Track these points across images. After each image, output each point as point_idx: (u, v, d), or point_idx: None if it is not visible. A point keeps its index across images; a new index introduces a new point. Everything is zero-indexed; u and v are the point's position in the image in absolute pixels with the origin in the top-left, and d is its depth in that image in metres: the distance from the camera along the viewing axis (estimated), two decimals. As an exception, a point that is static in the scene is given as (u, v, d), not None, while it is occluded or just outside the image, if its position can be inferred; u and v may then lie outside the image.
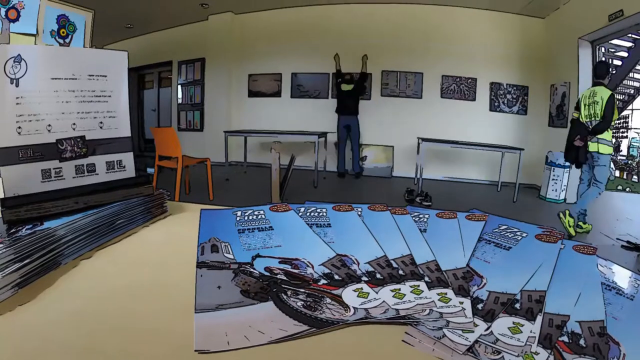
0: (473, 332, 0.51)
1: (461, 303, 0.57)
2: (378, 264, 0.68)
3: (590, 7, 6.51)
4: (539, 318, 0.53)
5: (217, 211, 0.91)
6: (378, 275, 0.64)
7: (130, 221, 0.89)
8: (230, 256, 0.70)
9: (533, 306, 0.56)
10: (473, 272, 0.66)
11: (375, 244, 0.74)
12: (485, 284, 0.62)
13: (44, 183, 0.86)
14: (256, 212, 0.87)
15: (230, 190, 6.96)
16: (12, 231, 0.72)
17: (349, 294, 0.59)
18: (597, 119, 4.63)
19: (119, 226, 0.85)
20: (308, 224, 0.83)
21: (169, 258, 0.76)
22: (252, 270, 0.66)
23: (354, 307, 0.56)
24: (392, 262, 0.68)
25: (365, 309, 0.56)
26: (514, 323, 0.53)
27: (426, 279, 0.63)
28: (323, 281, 0.63)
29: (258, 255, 0.71)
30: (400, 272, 0.65)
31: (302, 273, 0.66)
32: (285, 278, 0.64)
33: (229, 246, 0.74)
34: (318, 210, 0.88)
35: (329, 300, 0.58)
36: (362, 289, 0.60)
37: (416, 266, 0.67)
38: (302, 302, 0.57)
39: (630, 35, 9.71)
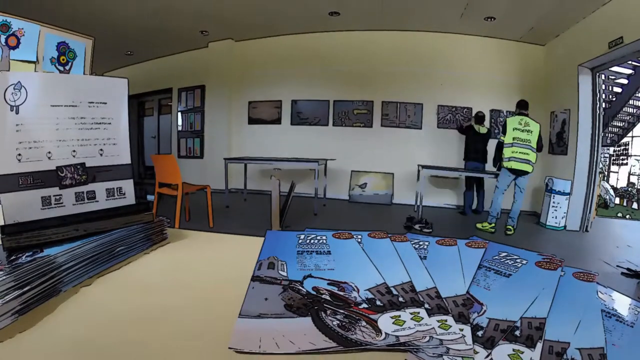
0: (473, 359, 0.51)
1: (461, 330, 0.57)
2: (378, 291, 0.68)
3: (591, 34, 6.61)
4: (539, 345, 0.53)
5: (281, 233, 0.94)
6: (378, 302, 0.65)
7: (131, 248, 0.89)
8: (284, 274, 0.75)
9: (533, 333, 0.56)
10: (473, 299, 0.66)
11: (375, 271, 0.74)
12: (485, 311, 0.62)
13: (44, 210, 0.87)
14: (318, 237, 0.90)
15: (231, 217, 6.95)
16: (12, 258, 0.73)
17: (385, 320, 0.60)
18: None
19: (119, 253, 0.86)
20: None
21: (169, 284, 0.76)
22: (300, 288, 0.70)
23: (385, 333, 0.57)
24: (392, 289, 0.68)
25: (397, 336, 0.56)
26: (514, 350, 0.53)
27: (426, 305, 0.63)
28: (364, 305, 0.64)
29: (310, 276, 0.74)
30: (400, 299, 0.65)
31: (347, 296, 0.67)
32: (329, 298, 0.66)
33: (285, 265, 0.78)
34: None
35: (364, 323, 0.59)
36: (399, 316, 0.61)
37: (416, 293, 0.67)
38: (338, 322, 0.59)
39: (630, 62, 9.83)
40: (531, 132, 6.16)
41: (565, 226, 7.05)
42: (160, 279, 0.80)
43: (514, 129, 6.22)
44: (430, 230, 6.26)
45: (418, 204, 7.51)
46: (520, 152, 6.17)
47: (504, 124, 6.44)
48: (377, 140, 9.30)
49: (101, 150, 0.96)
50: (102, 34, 3.22)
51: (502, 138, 6.42)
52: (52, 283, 0.67)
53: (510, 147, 6.21)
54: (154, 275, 0.81)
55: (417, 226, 6.41)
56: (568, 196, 6.99)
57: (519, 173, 6.28)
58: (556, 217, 7.08)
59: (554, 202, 7.08)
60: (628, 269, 4.51)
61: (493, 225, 6.50)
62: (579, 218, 7.05)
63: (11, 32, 1.77)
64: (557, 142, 7.74)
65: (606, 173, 15.37)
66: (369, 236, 0.89)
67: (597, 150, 7.02)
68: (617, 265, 4.63)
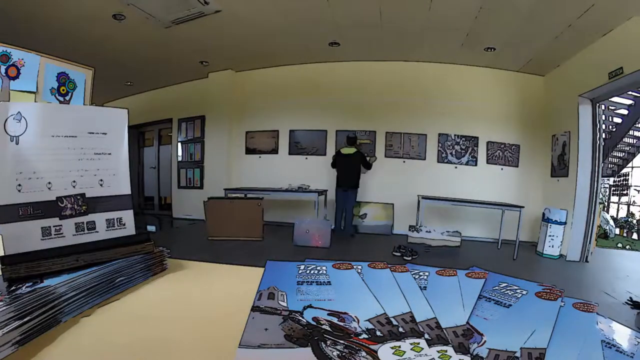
0: (474, 390, 0.51)
1: (461, 361, 0.57)
2: (378, 322, 0.68)
3: (591, 64, 6.63)
4: (540, 376, 0.53)
5: (281, 263, 0.94)
6: (378, 333, 0.64)
7: (131, 279, 0.89)
8: (284, 304, 0.75)
9: (534, 364, 0.56)
10: (473, 329, 0.66)
11: (375, 301, 0.74)
12: (485, 341, 0.62)
13: (44, 241, 0.87)
14: (318, 267, 0.90)
15: (231, 247, 6.90)
16: (12, 289, 0.72)
17: (385, 351, 0.60)
18: None
19: (120, 284, 0.85)
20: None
21: (169, 315, 0.76)
22: (300, 318, 0.70)
23: None
24: (392, 319, 0.68)
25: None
26: (515, 381, 0.52)
27: (426, 336, 0.63)
28: (364, 336, 0.64)
29: (310, 306, 0.74)
30: (401, 329, 0.65)
31: (347, 326, 0.67)
32: (329, 329, 0.66)
33: (285, 295, 0.78)
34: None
35: (364, 353, 0.59)
36: (399, 347, 0.61)
37: (416, 323, 0.67)
38: (338, 352, 0.59)
39: (630, 93, 9.88)
40: None
41: (561, 255, 7.01)
42: (160, 309, 0.80)
43: None
44: (413, 257, 6.39)
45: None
46: None
47: None
48: (379, 170, 9.28)
49: (101, 180, 0.96)
50: (102, 65, 3.25)
51: None
52: (52, 313, 0.67)
53: None
54: (154, 306, 0.81)
55: (399, 253, 6.57)
56: (564, 225, 6.98)
57: None
58: (552, 246, 7.05)
59: (550, 232, 7.07)
60: (630, 299, 4.47)
61: None
62: (579, 248, 7.00)
63: (11, 62, 1.79)
64: (558, 165, 7.73)
65: (606, 203, 15.34)
66: (369, 267, 0.89)
67: (597, 180, 7.01)
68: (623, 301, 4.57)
